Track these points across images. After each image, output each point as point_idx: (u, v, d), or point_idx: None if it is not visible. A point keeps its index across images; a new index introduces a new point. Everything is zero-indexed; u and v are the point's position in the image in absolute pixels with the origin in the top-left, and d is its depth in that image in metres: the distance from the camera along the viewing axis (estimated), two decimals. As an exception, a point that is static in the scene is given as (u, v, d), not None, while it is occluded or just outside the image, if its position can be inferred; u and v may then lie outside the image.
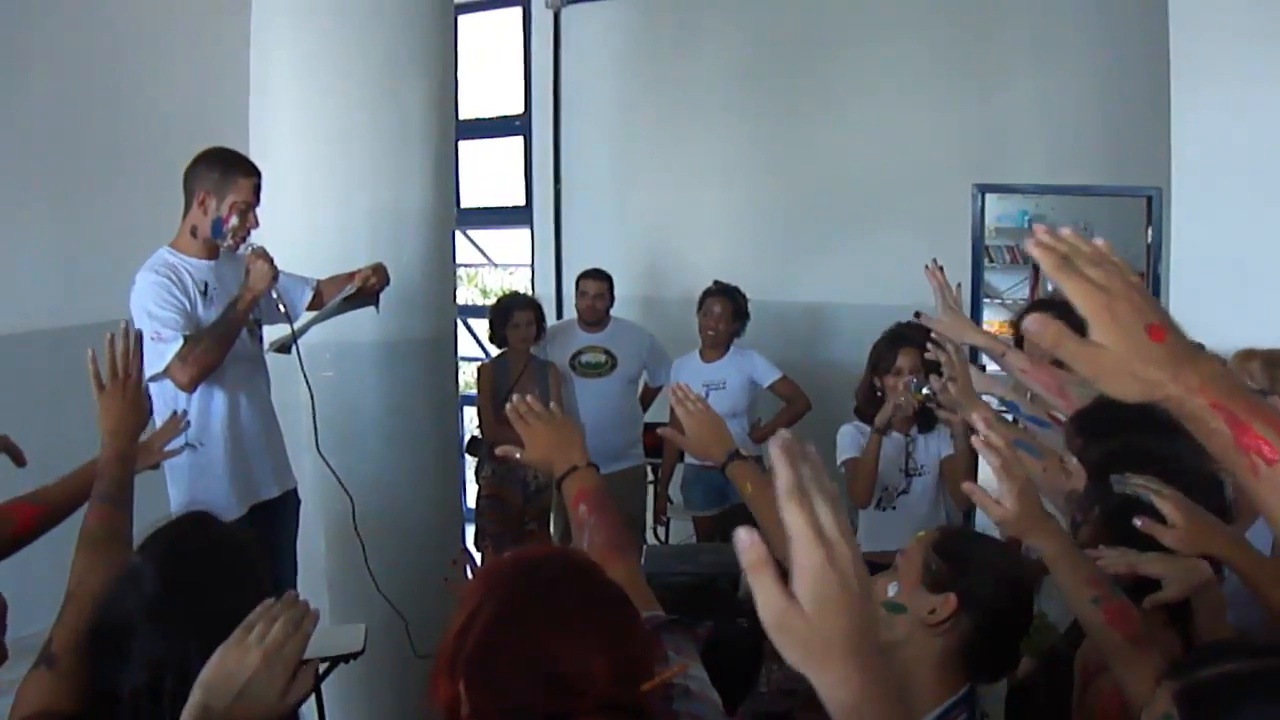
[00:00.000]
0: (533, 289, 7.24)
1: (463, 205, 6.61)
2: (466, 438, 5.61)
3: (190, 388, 3.15)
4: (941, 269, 2.80)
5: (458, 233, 4.77)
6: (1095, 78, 5.51)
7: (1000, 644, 1.81)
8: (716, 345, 5.05)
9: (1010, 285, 9.86)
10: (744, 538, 0.90)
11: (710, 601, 2.64)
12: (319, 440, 3.56)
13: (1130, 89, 5.18)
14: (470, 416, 6.09)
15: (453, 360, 4.56)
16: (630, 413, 5.41)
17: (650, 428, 5.22)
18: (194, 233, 3.26)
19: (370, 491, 3.83)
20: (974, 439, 1.77)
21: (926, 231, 5.55)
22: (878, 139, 6.04)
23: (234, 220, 3.23)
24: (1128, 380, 1.07)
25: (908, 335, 3.61)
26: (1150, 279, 4.90)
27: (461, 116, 5.15)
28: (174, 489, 3.26)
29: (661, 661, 1.38)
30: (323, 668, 3.43)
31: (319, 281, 3.60)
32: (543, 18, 7.20)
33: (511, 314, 5.14)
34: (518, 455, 2.14)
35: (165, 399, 3.10)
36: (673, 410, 2.33)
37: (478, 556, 5.06)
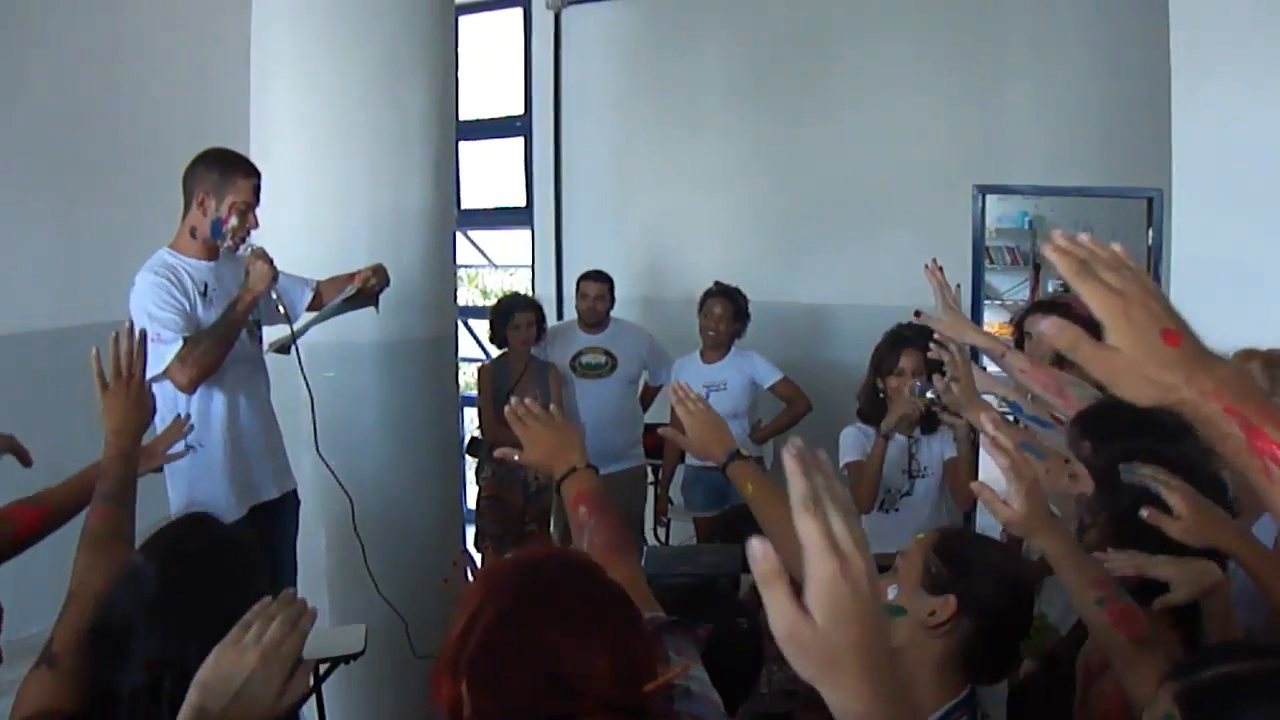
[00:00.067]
0: (533, 290, 7.23)
1: (463, 206, 6.61)
2: (467, 438, 5.61)
3: (190, 389, 3.15)
4: (941, 269, 2.80)
5: (458, 233, 4.77)
6: (1095, 79, 5.51)
7: (1000, 645, 1.81)
8: (717, 346, 5.05)
9: (1010, 286, 9.91)
10: (757, 549, 0.89)
11: (710, 602, 2.64)
12: (319, 441, 3.56)
13: (1130, 90, 5.18)
14: (470, 417, 6.09)
15: (453, 361, 4.56)
16: (630, 413, 5.41)
17: (651, 428, 5.23)
18: (193, 233, 3.26)
19: (370, 492, 3.83)
20: (982, 439, 1.78)
21: (927, 232, 5.55)
22: (878, 140, 6.04)
23: (233, 221, 3.23)
24: (1142, 384, 1.08)
25: (909, 336, 3.61)
26: (1151, 280, 4.88)
27: (462, 117, 5.14)
28: (173, 490, 3.25)
29: (663, 662, 1.38)
30: (323, 668, 3.43)
31: (319, 282, 3.60)
32: (543, 18, 7.20)
33: (512, 315, 5.14)
34: (516, 457, 2.14)
35: (165, 400, 3.09)
36: (673, 410, 2.33)
37: (478, 557, 5.07)
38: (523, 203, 7.52)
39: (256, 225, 3.29)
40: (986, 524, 3.88)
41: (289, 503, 3.57)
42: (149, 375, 2.42)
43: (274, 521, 3.45)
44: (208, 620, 1.51)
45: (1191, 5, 3.64)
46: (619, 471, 5.08)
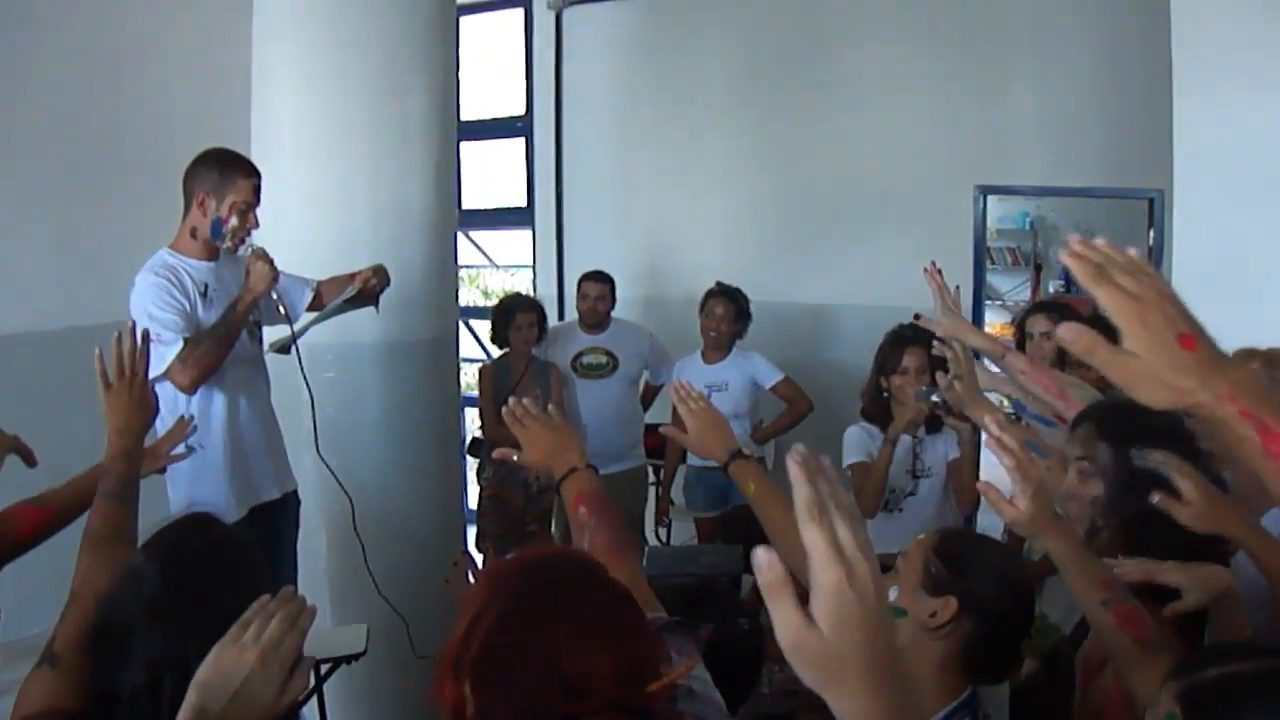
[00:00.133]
0: (534, 290, 7.23)
1: (464, 206, 6.61)
2: (468, 439, 5.62)
3: (191, 390, 3.15)
4: (940, 271, 2.80)
5: (459, 234, 4.77)
6: (1097, 80, 5.51)
7: (1002, 646, 1.80)
8: (718, 346, 5.05)
9: (1011, 287, 9.91)
10: (762, 558, 0.89)
11: (711, 602, 2.64)
12: (320, 441, 3.56)
13: (1132, 91, 5.18)
14: (472, 417, 6.09)
15: (454, 361, 4.56)
16: (631, 414, 5.41)
17: (652, 428, 5.23)
18: (194, 234, 3.26)
19: (371, 492, 3.83)
20: (986, 440, 1.77)
21: (928, 233, 5.55)
22: (879, 140, 6.04)
23: (233, 221, 3.22)
24: (1158, 387, 1.09)
25: (913, 335, 3.61)
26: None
27: (463, 117, 5.16)
28: (174, 491, 3.25)
29: (665, 662, 1.38)
30: (324, 669, 3.43)
31: (319, 282, 3.60)
32: (544, 19, 7.20)
33: (514, 315, 5.14)
34: (515, 458, 2.14)
35: (165, 401, 3.09)
36: (675, 409, 2.33)
37: (479, 558, 5.07)
38: (524, 203, 7.53)
39: (257, 225, 3.29)
40: (987, 524, 3.88)
41: (289, 503, 3.57)
42: (150, 376, 2.42)
43: (274, 522, 3.45)
44: (208, 620, 1.51)
45: (1193, 6, 3.64)
46: (620, 472, 5.08)
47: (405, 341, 4.06)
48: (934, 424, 3.71)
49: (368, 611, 3.68)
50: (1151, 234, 5.46)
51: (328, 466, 3.57)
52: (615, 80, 7.01)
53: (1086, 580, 1.70)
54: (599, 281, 5.34)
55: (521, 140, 7.49)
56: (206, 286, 3.26)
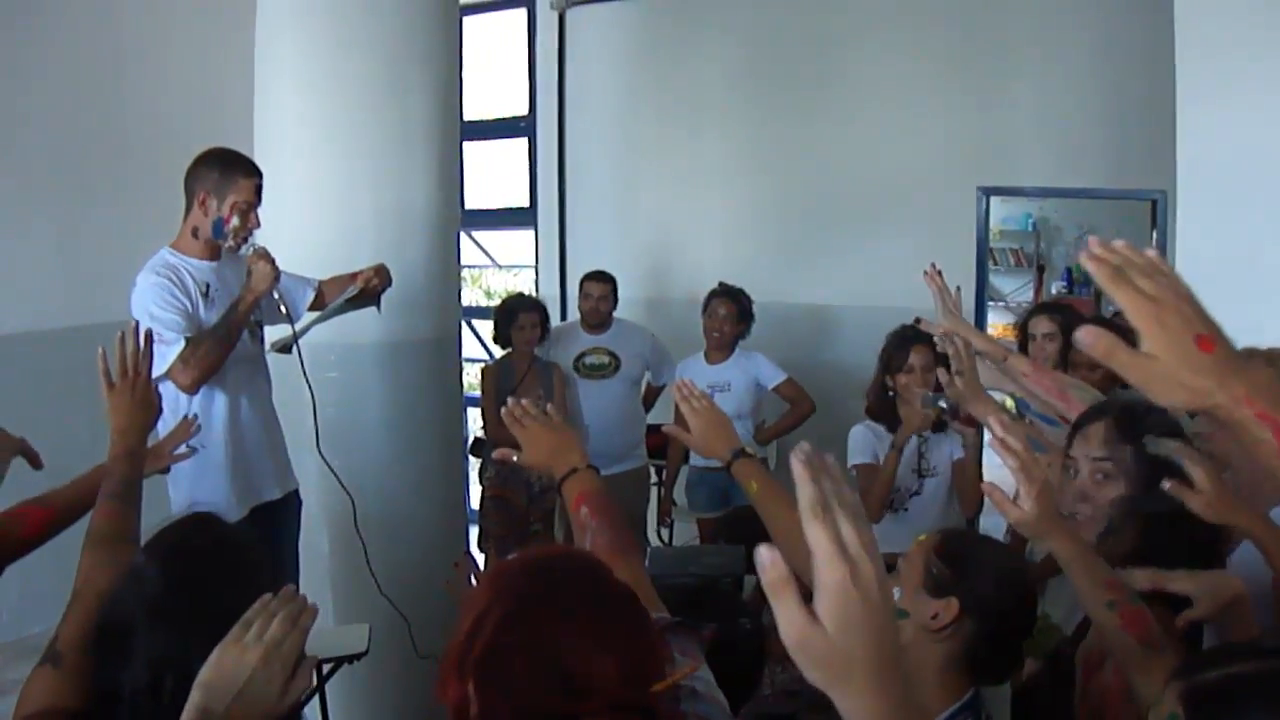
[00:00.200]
0: (537, 290, 7.24)
1: (467, 206, 6.62)
2: (470, 439, 5.62)
3: (193, 390, 3.15)
4: (940, 273, 2.80)
5: (462, 234, 4.77)
6: (1100, 80, 5.51)
7: (1004, 647, 1.80)
8: (721, 347, 5.05)
9: (1014, 288, 9.92)
10: (765, 557, 0.89)
11: (713, 603, 2.64)
12: (323, 441, 3.56)
13: (1134, 91, 5.18)
14: (474, 418, 6.09)
15: (457, 361, 4.56)
16: (633, 414, 5.41)
17: (654, 429, 5.23)
18: (195, 233, 3.26)
19: (374, 492, 3.84)
20: (990, 440, 1.77)
21: (931, 234, 5.56)
22: (882, 141, 6.04)
23: (234, 221, 3.22)
24: (1176, 389, 1.09)
25: (916, 334, 3.61)
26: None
27: (466, 117, 5.15)
28: (175, 491, 3.25)
29: (669, 662, 1.38)
30: (327, 668, 3.44)
31: (320, 282, 3.60)
32: (548, 19, 7.21)
33: (517, 315, 5.14)
34: (515, 459, 2.14)
35: (167, 400, 3.09)
36: (677, 408, 2.33)
37: (481, 558, 5.07)
38: (527, 203, 7.53)
39: (258, 225, 3.29)
40: (989, 526, 3.87)
41: (291, 503, 3.58)
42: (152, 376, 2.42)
43: (276, 522, 3.45)
44: (210, 619, 1.51)
45: (1196, 7, 3.64)
46: (622, 472, 5.08)
47: (408, 341, 4.06)
48: (940, 423, 3.70)
49: (370, 611, 3.68)
50: (1154, 235, 5.46)
51: (329, 466, 3.57)
52: (618, 81, 7.01)
53: (1091, 581, 1.69)
54: (601, 281, 5.34)
55: (524, 140, 7.50)
56: (208, 286, 3.26)
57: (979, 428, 3.71)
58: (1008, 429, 1.74)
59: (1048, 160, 5.75)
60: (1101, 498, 2.00)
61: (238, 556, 1.76)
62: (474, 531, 5.28)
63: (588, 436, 4.93)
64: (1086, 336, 1.09)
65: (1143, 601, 1.69)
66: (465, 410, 5.33)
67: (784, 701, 2.66)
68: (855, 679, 0.91)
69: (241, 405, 3.36)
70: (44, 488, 2.38)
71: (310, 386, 3.47)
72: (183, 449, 2.78)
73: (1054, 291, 9.47)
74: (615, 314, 5.39)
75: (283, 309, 3.38)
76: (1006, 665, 1.86)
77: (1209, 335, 1.09)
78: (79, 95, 5.10)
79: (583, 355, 5.31)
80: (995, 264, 9.18)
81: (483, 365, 5.68)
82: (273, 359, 3.51)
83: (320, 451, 3.56)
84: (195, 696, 1.39)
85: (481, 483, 5.35)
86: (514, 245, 8.28)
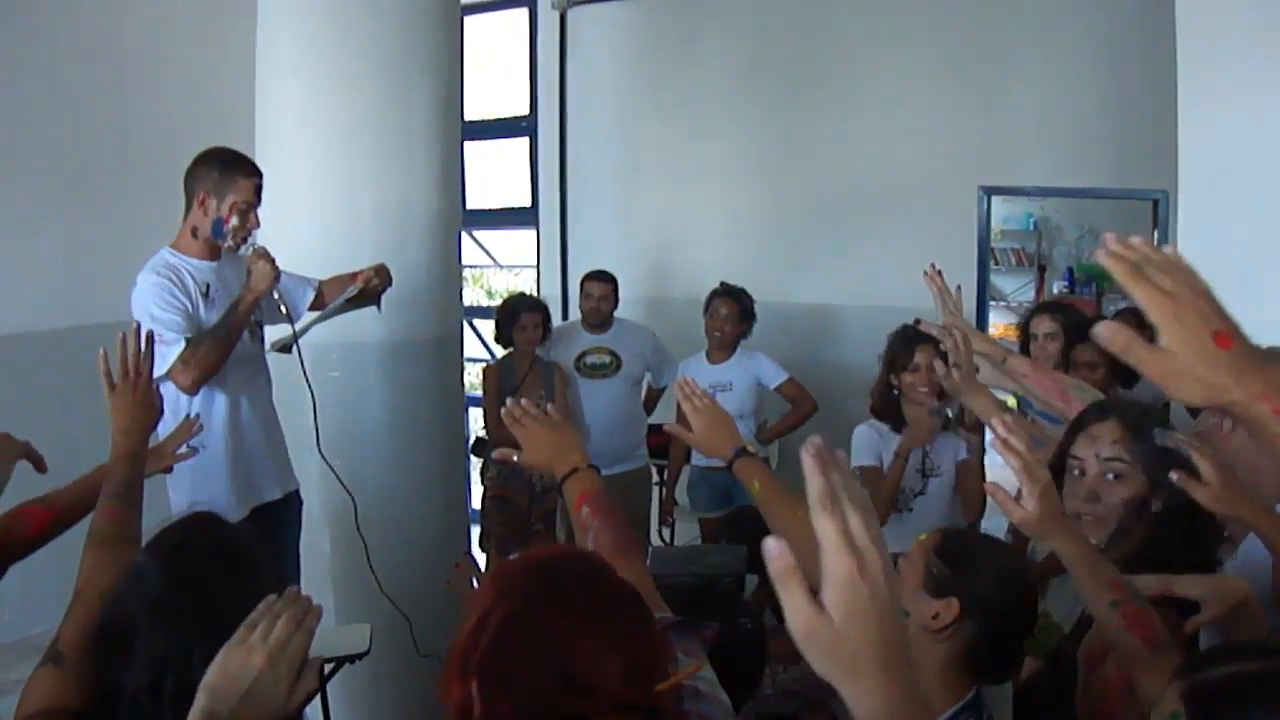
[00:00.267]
0: (538, 290, 7.24)
1: (468, 206, 6.62)
2: (472, 439, 5.62)
3: (193, 390, 3.15)
4: (940, 274, 2.79)
5: (463, 233, 4.77)
6: (1101, 80, 5.51)
7: (1005, 646, 1.80)
8: (723, 347, 5.05)
9: (1016, 287, 9.93)
10: (772, 547, 0.89)
11: (714, 603, 2.64)
12: (324, 440, 3.56)
13: (1136, 91, 5.18)
14: (475, 417, 6.10)
15: (458, 361, 4.56)
16: (634, 413, 5.41)
17: (655, 428, 5.23)
18: (195, 233, 3.26)
19: (375, 492, 3.84)
20: (992, 441, 1.77)
21: (932, 233, 5.56)
22: (884, 140, 6.04)
23: (234, 221, 3.22)
24: (1193, 385, 1.09)
25: (923, 333, 3.61)
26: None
27: (467, 117, 5.15)
28: (175, 491, 3.25)
29: (672, 662, 1.38)
30: (328, 668, 3.44)
31: (321, 282, 3.60)
32: (549, 19, 7.21)
33: (519, 315, 5.14)
34: (515, 459, 2.13)
35: (167, 401, 3.09)
36: (679, 407, 2.32)
37: (483, 558, 5.07)
38: (528, 203, 7.54)
39: (258, 225, 3.29)
40: (990, 527, 3.87)
41: (291, 503, 3.58)
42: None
43: (276, 522, 3.45)
44: (211, 619, 1.51)
45: (1198, 7, 3.64)
46: (623, 472, 5.09)
47: (409, 341, 4.06)
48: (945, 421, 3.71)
49: (371, 611, 3.68)
50: (1155, 234, 5.46)
51: (330, 467, 3.57)
52: (619, 80, 7.01)
53: (1095, 581, 1.69)
54: (602, 281, 5.34)
55: (526, 140, 7.50)
56: (208, 286, 3.26)
57: (981, 433, 3.71)
58: (1011, 429, 1.74)
59: (1049, 160, 5.75)
60: (1112, 498, 1.99)
61: (238, 556, 1.76)
62: (475, 531, 5.28)
63: (589, 436, 4.94)
64: (1105, 331, 1.10)
65: (1146, 602, 1.69)
66: (467, 410, 5.34)
67: (785, 701, 2.66)
68: (861, 669, 0.91)
69: (242, 405, 3.36)
70: (45, 488, 2.38)
71: (310, 386, 3.47)
72: (184, 449, 2.78)
73: (1055, 291, 9.48)
74: (616, 314, 5.39)
75: (283, 309, 3.38)
76: (1008, 664, 1.86)
77: (1227, 331, 1.09)
78: (80, 95, 5.10)
79: (584, 355, 5.31)
80: (996, 263, 9.19)
81: (484, 365, 5.68)
82: (273, 359, 3.51)
83: (321, 451, 3.56)
84: (201, 699, 1.39)
85: (483, 483, 5.35)
86: (515, 245, 8.29)
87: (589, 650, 1.22)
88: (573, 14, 7.10)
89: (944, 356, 2.75)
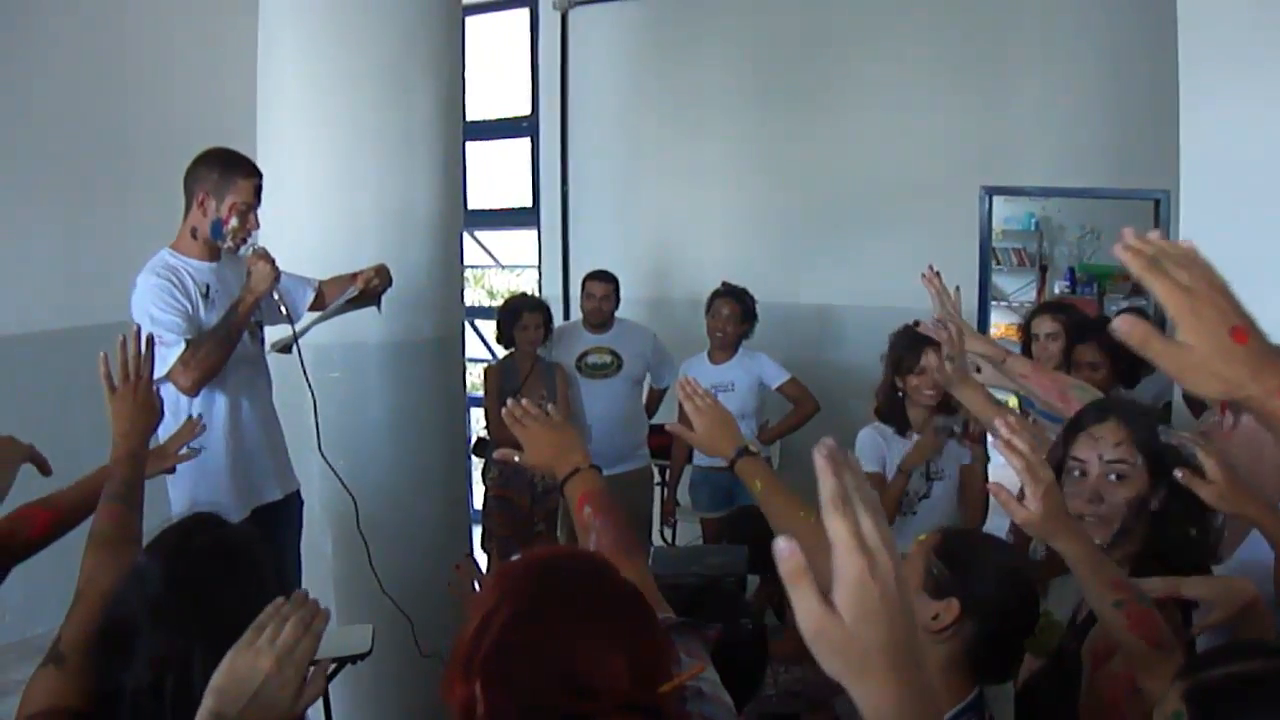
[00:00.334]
0: (539, 290, 7.25)
1: (470, 206, 6.62)
2: (473, 439, 5.62)
3: (193, 391, 3.14)
4: (939, 275, 2.79)
5: (465, 234, 4.77)
6: (1103, 80, 5.51)
7: (1005, 646, 1.80)
8: (725, 347, 5.05)
9: (1017, 287, 9.92)
10: (783, 547, 0.89)
11: (715, 603, 2.64)
12: (326, 441, 3.56)
13: (1138, 91, 5.17)
14: (477, 418, 6.10)
15: (460, 361, 4.57)
16: (636, 413, 5.42)
17: (657, 428, 5.23)
18: (194, 234, 3.25)
19: (377, 492, 3.84)
20: (994, 441, 1.76)
21: (933, 233, 5.56)
22: (885, 141, 6.04)
23: (233, 221, 3.22)
24: (1209, 379, 1.09)
25: (928, 335, 3.61)
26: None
27: (469, 118, 5.15)
28: (175, 492, 3.24)
29: (675, 663, 1.38)
30: (330, 669, 3.44)
31: (321, 282, 3.59)
32: (550, 19, 7.21)
33: (521, 315, 5.14)
34: (517, 459, 2.13)
35: (167, 402, 3.08)
36: (681, 407, 2.32)
37: (484, 558, 5.07)
38: (529, 203, 7.54)
39: (257, 226, 3.28)
40: (991, 528, 3.87)
41: (292, 504, 3.57)
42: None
43: (277, 523, 3.44)
44: (212, 619, 1.51)
45: (1199, 6, 3.64)
46: (625, 472, 5.08)
47: (410, 341, 4.06)
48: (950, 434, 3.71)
49: (373, 611, 3.68)
50: (1157, 235, 5.45)
51: (331, 467, 3.57)
52: (621, 80, 7.02)
53: (1099, 581, 1.69)
54: (604, 281, 5.34)
55: (527, 140, 7.51)
56: (208, 287, 3.26)
57: (984, 442, 3.71)
58: (1014, 431, 1.74)
59: (1051, 160, 5.75)
60: (1115, 498, 1.99)
61: (239, 557, 1.76)
62: (477, 532, 5.28)
63: (590, 436, 4.93)
64: (1123, 324, 1.10)
65: (1151, 602, 1.69)
66: (468, 410, 5.34)
67: (787, 702, 2.66)
68: (871, 669, 0.91)
69: (242, 406, 3.35)
70: (47, 489, 2.39)
71: (311, 387, 3.47)
72: (185, 449, 2.78)
73: (1057, 291, 9.47)
74: (617, 314, 5.39)
75: (283, 309, 3.38)
76: (1009, 664, 1.85)
77: (1243, 327, 1.09)
78: (80, 95, 5.11)
79: (585, 355, 5.31)
80: (998, 263, 9.18)
81: (486, 365, 5.68)
82: (274, 359, 3.51)
83: (322, 452, 3.56)
84: (208, 701, 1.39)
85: (485, 483, 5.35)
86: (517, 245, 8.29)
87: (592, 651, 1.22)
88: (574, 14, 7.10)
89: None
